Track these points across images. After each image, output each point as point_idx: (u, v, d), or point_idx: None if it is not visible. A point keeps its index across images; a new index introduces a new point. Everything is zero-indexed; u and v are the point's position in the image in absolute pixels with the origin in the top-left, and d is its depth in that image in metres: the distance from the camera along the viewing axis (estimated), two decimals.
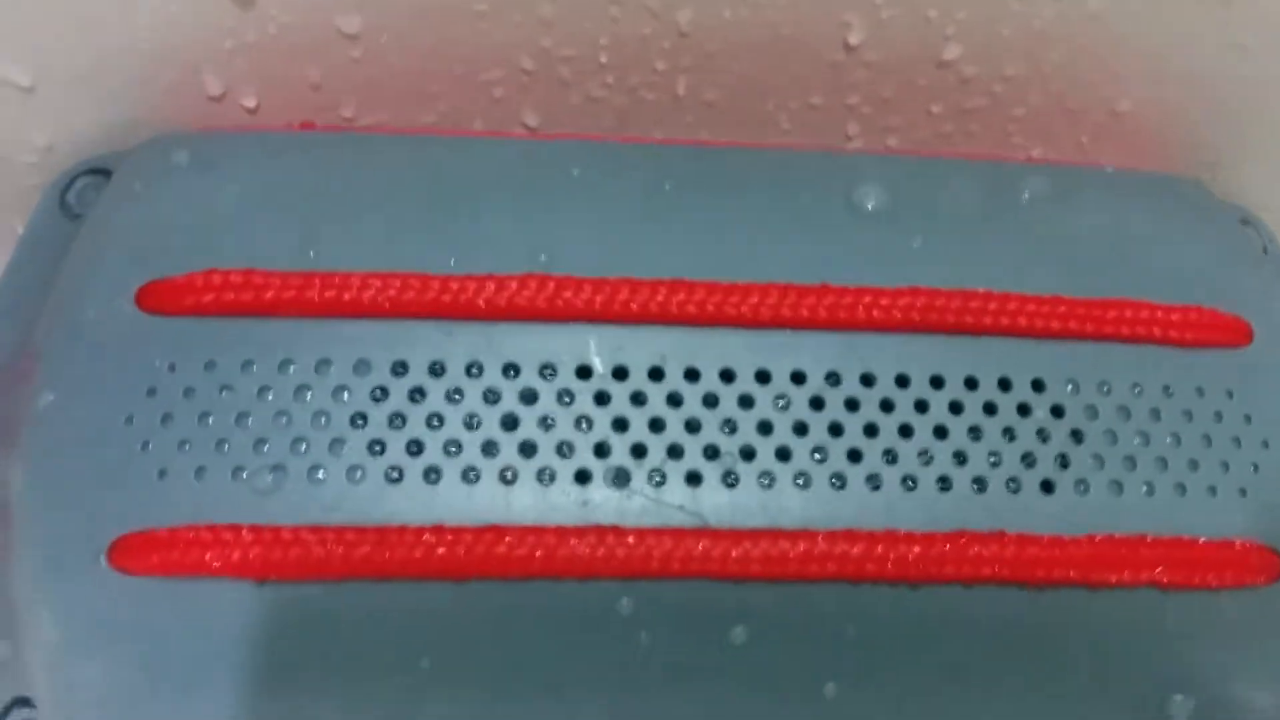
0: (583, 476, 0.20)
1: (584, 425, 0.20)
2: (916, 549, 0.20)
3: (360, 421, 0.20)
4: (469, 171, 0.22)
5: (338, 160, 0.22)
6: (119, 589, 0.19)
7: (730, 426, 0.20)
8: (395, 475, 0.20)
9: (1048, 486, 0.21)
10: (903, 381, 0.21)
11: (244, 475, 0.19)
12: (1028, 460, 0.21)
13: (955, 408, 0.21)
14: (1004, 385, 0.21)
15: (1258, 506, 0.21)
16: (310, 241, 0.21)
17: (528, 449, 0.20)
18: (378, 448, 0.20)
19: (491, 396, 0.20)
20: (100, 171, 0.24)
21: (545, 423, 0.20)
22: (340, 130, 0.25)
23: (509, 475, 0.20)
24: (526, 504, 0.20)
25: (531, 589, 0.19)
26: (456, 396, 0.20)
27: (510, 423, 0.20)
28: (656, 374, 0.20)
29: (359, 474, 0.19)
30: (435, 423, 0.20)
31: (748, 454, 0.20)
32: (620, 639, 0.19)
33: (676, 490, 0.20)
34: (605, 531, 0.19)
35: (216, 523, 0.19)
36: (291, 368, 0.20)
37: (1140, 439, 0.21)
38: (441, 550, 0.19)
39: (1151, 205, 0.24)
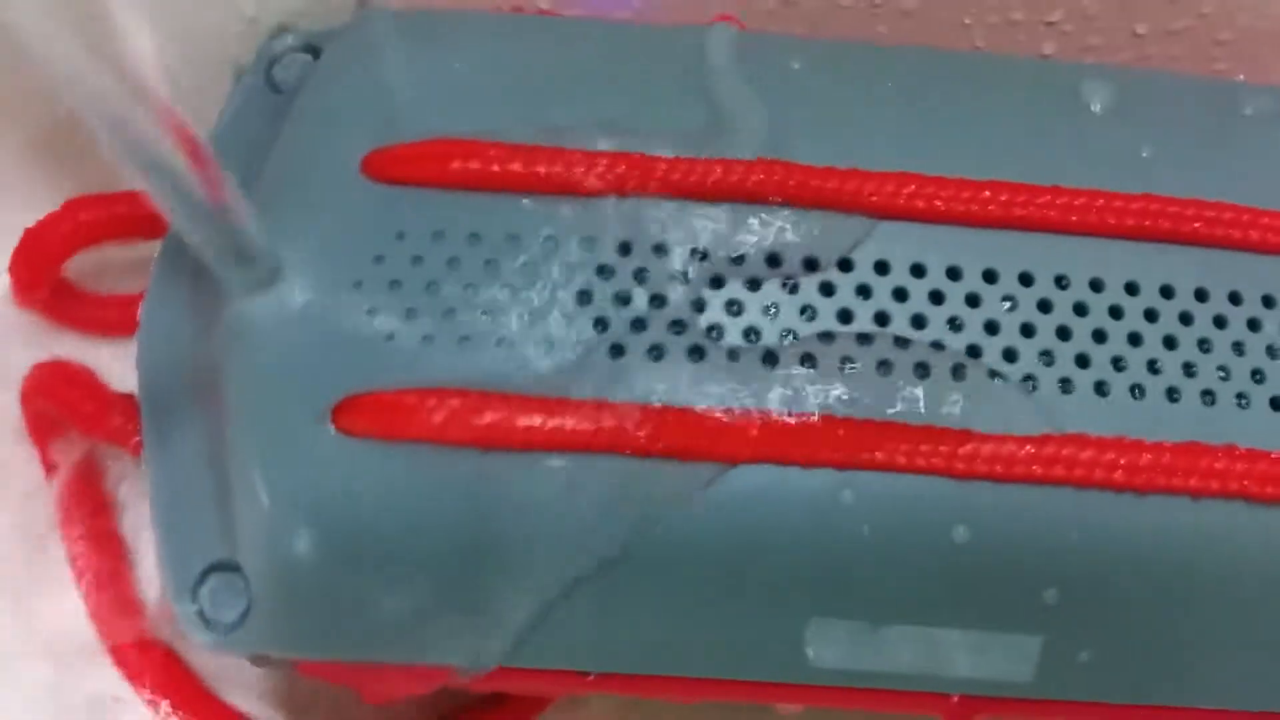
0: (807, 362, 0.19)
1: (807, 314, 0.20)
2: (1146, 457, 0.19)
3: (585, 298, 0.20)
4: (688, 59, 0.22)
5: (553, 44, 0.22)
6: (343, 450, 0.19)
7: (956, 325, 0.20)
8: (618, 352, 0.19)
9: (1277, 404, 0.20)
10: (1132, 289, 0.20)
11: (470, 343, 0.19)
12: (1257, 376, 0.20)
13: (1185, 318, 0.20)
14: (1234, 299, 0.21)
15: None
16: (533, 118, 0.21)
17: (751, 334, 0.20)
18: (603, 325, 0.19)
19: (717, 282, 0.20)
20: (305, 49, 0.24)
21: (769, 310, 0.20)
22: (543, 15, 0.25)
23: (733, 356, 0.19)
24: (745, 389, 0.19)
25: (751, 474, 0.19)
26: (683, 278, 0.20)
27: (734, 308, 0.20)
28: (883, 268, 0.20)
29: (581, 349, 0.19)
30: (658, 303, 0.20)
31: (974, 352, 0.20)
32: (842, 530, 0.19)
33: (902, 384, 0.19)
34: (829, 420, 0.19)
35: (444, 387, 0.19)
36: (519, 242, 0.20)
37: None
38: (666, 429, 0.19)
39: None
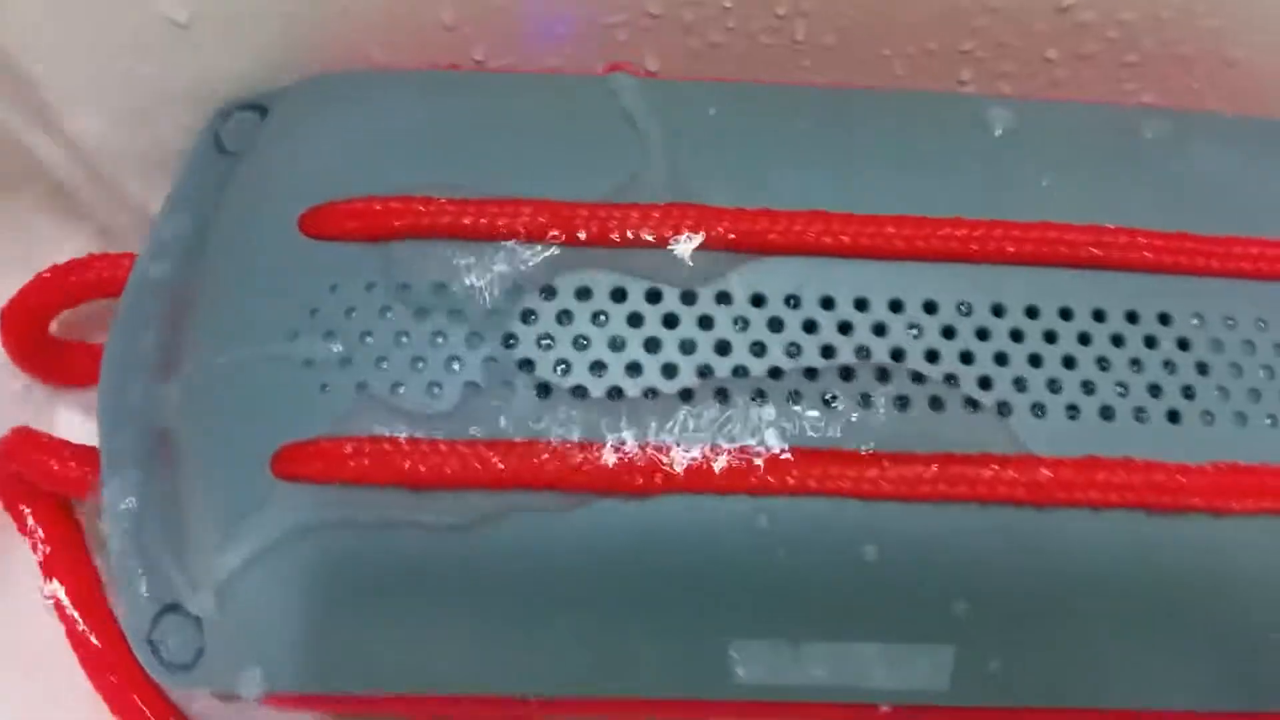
0: (720, 396, 0.21)
1: (721, 349, 0.21)
2: (1045, 472, 0.20)
3: (511, 341, 0.21)
4: (608, 109, 0.23)
5: (485, 97, 0.23)
6: (282, 496, 0.20)
7: (864, 352, 0.21)
8: (544, 393, 0.20)
9: (1173, 416, 0.21)
10: (1032, 313, 0.21)
11: (401, 391, 0.20)
12: (1154, 391, 0.21)
13: (1084, 339, 0.21)
14: (1131, 318, 0.22)
15: None
16: (464, 173, 0.22)
17: (669, 371, 0.21)
18: (528, 366, 0.21)
19: (635, 320, 0.21)
20: (253, 108, 0.25)
21: (685, 346, 0.21)
22: (478, 71, 0.26)
23: (651, 395, 0.21)
24: (669, 422, 0.20)
25: (670, 504, 0.20)
26: (601, 319, 0.21)
27: (652, 345, 0.21)
28: (793, 301, 0.21)
29: (510, 391, 0.20)
30: (582, 343, 0.21)
31: (882, 377, 0.21)
32: (758, 554, 0.20)
33: (813, 412, 0.21)
34: (743, 449, 0.20)
35: (376, 434, 0.20)
36: (446, 290, 0.21)
37: (1265, 372, 0.22)
38: (588, 465, 0.20)
39: (1270, 148, 0.24)
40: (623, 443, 0.20)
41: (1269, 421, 0.21)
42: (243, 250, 0.22)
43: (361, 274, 0.21)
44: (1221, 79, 0.28)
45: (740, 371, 0.21)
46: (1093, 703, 0.21)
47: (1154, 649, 0.21)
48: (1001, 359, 0.21)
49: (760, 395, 0.21)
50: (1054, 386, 0.21)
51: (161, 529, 0.22)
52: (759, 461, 0.20)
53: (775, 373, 0.21)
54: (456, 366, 0.20)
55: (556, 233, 0.21)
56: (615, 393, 0.21)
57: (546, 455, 0.20)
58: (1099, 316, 0.22)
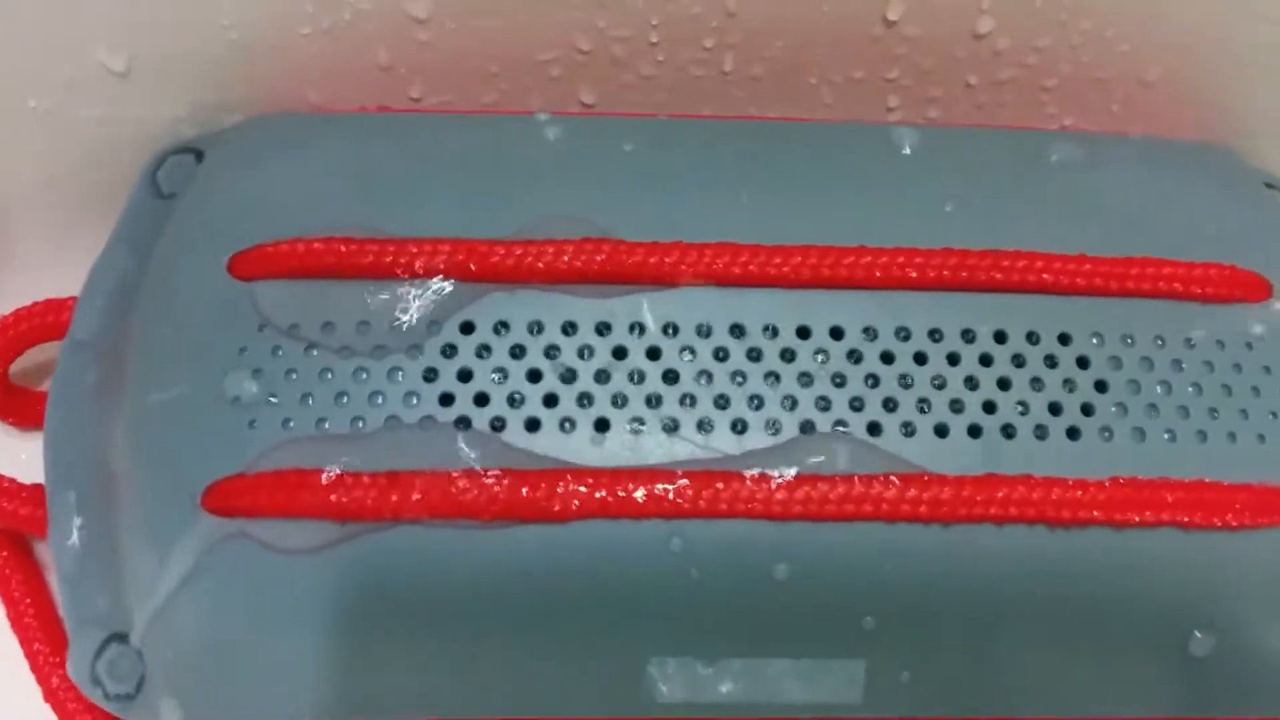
0: (635, 424, 0.21)
1: (636, 378, 0.22)
2: (948, 491, 0.21)
3: (431, 375, 0.22)
4: (531, 148, 0.24)
5: (409, 139, 0.24)
6: (213, 530, 0.21)
7: (774, 378, 0.22)
8: (464, 425, 0.21)
9: (1073, 433, 0.22)
10: (935, 335, 0.22)
11: (326, 426, 0.21)
12: (1054, 409, 0.22)
13: (985, 360, 0.22)
14: (1031, 339, 0.22)
15: (1276, 451, 0.22)
16: (386, 212, 0.23)
17: (584, 400, 0.22)
18: (448, 400, 0.21)
19: (552, 352, 0.22)
20: (188, 150, 0.26)
21: (600, 376, 0.22)
22: (410, 111, 0.27)
23: (567, 425, 0.21)
24: (583, 450, 0.21)
25: (587, 529, 0.21)
26: (518, 352, 0.22)
27: (569, 376, 0.22)
28: (704, 330, 0.22)
29: (430, 424, 0.21)
30: (499, 378, 0.22)
31: (789, 403, 0.22)
32: (673, 575, 0.21)
33: (724, 437, 0.21)
34: (657, 474, 0.21)
35: (301, 468, 0.21)
36: (369, 327, 0.22)
37: (1162, 388, 0.22)
38: (505, 492, 0.21)
39: (1177, 169, 0.25)
40: (540, 471, 0.21)
41: (1167, 436, 0.22)
42: (175, 292, 0.23)
43: (287, 314, 0.22)
44: (1139, 101, 0.28)
45: (654, 400, 0.22)
46: (1002, 713, 0.22)
47: (1059, 660, 0.22)
48: (905, 381, 0.22)
49: (673, 422, 0.21)
50: (956, 407, 0.22)
51: (103, 564, 0.22)
52: (672, 486, 0.21)
53: (688, 400, 0.22)
54: (379, 400, 0.21)
55: (475, 269, 0.22)
56: (533, 424, 0.21)
57: (465, 484, 0.21)
58: (1000, 338, 0.22)
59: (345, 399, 0.21)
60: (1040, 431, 0.22)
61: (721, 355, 0.22)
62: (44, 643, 0.26)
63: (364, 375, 0.21)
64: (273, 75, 0.26)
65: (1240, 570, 0.22)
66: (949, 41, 0.27)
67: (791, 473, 0.21)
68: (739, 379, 0.22)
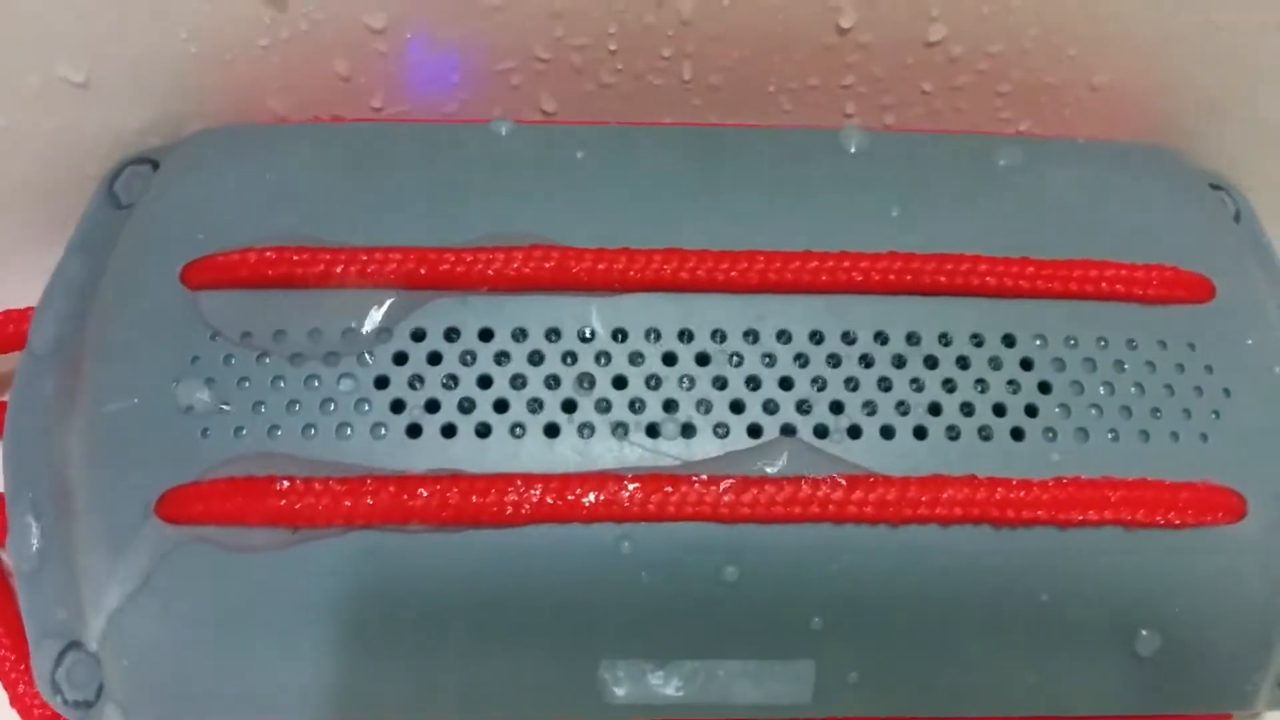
0: (585, 429, 0.22)
1: (585, 384, 0.22)
2: (894, 492, 0.21)
3: (383, 383, 0.22)
4: (482, 157, 0.24)
5: (362, 148, 0.24)
6: (166, 538, 0.21)
7: (721, 383, 0.22)
8: (414, 431, 0.21)
9: (1017, 434, 0.22)
10: (881, 339, 0.23)
11: (278, 434, 0.21)
12: (999, 410, 0.22)
13: (930, 362, 0.22)
14: (976, 341, 0.23)
15: (1219, 450, 0.22)
16: (337, 222, 0.23)
17: (534, 405, 0.22)
18: (399, 407, 0.22)
19: (502, 359, 0.22)
20: (145, 161, 0.26)
21: (550, 382, 0.22)
22: (367, 121, 0.27)
23: (518, 430, 0.22)
24: (533, 456, 0.21)
25: (538, 533, 0.21)
26: (469, 359, 0.22)
27: (519, 382, 0.22)
28: (653, 335, 0.22)
29: (382, 430, 0.21)
30: (450, 384, 0.22)
31: (737, 407, 0.22)
32: (623, 578, 0.21)
33: (672, 441, 0.22)
34: (606, 478, 0.21)
35: (253, 475, 0.21)
36: (320, 335, 0.22)
37: (1105, 389, 0.23)
38: (457, 498, 0.21)
39: (1123, 171, 0.25)
40: (491, 476, 0.21)
41: (1110, 436, 0.22)
42: (129, 302, 0.23)
43: (239, 323, 0.22)
44: (1090, 104, 0.29)
45: (603, 405, 0.22)
46: (951, 712, 0.22)
47: (1006, 659, 0.22)
48: (851, 384, 0.22)
49: (622, 427, 0.22)
50: (902, 409, 0.22)
51: (61, 573, 0.23)
52: (622, 490, 0.21)
53: (636, 404, 0.22)
54: (331, 408, 0.22)
55: (425, 276, 0.22)
56: (484, 429, 0.22)
57: (417, 490, 0.21)
58: (945, 340, 0.23)
59: (297, 407, 0.22)
60: (985, 432, 0.22)
61: (670, 360, 0.22)
62: (9, 649, 0.27)
63: (316, 383, 0.22)
64: (233, 86, 0.27)
65: (1184, 569, 0.22)
66: (901, 48, 0.27)
67: (739, 475, 0.21)
68: (687, 383, 0.22)
